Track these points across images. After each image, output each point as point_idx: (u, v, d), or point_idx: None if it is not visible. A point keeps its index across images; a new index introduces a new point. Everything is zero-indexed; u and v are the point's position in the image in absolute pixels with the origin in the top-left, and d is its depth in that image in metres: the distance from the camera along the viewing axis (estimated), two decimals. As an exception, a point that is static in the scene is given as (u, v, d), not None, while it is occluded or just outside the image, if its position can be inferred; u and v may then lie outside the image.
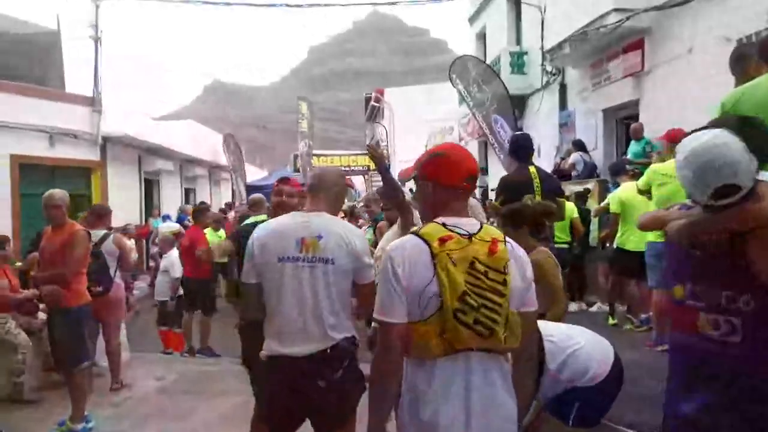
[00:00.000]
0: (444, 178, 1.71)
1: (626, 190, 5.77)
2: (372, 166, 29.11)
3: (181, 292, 7.25)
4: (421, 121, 29.31)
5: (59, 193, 4.01)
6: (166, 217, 11.67)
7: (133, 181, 13.08)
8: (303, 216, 2.37)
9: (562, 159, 10.70)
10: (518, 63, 12.99)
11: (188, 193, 17.33)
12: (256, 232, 2.36)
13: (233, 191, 21.59)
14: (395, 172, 28.86)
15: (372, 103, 38.32)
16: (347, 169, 29.32)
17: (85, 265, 4.12)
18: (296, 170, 27.29)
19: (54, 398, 4.63)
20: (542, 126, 12.23)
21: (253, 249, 2.30)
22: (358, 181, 34.61)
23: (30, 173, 9.97)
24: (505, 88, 11.79)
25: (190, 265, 6.86)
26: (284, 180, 3.48)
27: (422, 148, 24.79)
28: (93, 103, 11.18)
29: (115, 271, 5.05)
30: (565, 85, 11.17)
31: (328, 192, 2.45)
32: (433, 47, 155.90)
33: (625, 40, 8.75)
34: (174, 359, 6.36)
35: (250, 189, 19.32)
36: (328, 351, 2.21)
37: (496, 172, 15.85)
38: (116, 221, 11.96)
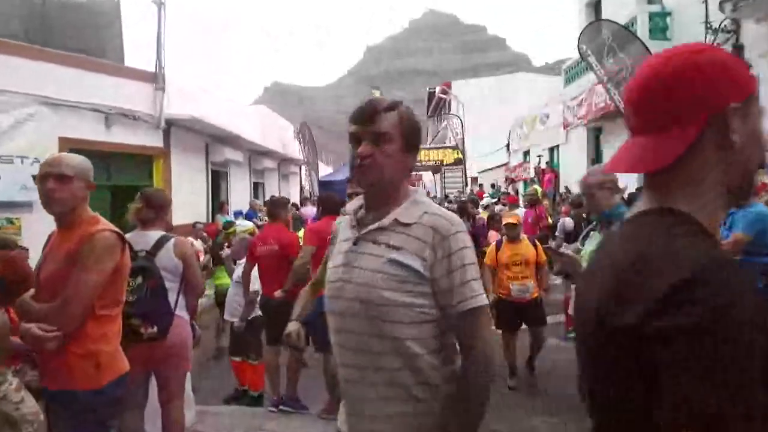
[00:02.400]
0: None
1: None
2: (445, 161, 27.06)
3: (258, 312, 5.38)
4: (496, 112, 27.22)
5: (69, 159, 2.05)
6: (237, 214, 9.92)
7: (200, 172, 11.48)
8: None
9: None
10: (660, 26, 10.46)
11: (257, 188, 15.71)
12: None
13: (302, 186, 20.00)
14: (469, 165, 26.85)
15: (438, 95, 36.55)
16: (418, 164, 27.34)
17: (114, 299, 2.14)
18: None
19: None
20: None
21: None
22: (426, 178, 32.58)
23: (82, 160, 8.41)
24: (649, 52, 9.36)
25: (270, 279, 4.90)
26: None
27: (503, 139, 22.50)
28: (155, 79, 9.57)
29: (177, 298, 3.12)
30: (741, 47, 8.59)
31: None
32: (492, 44, 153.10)
33: None
34: (257, 420, 4.40)
35: (321, 185, 17.58)
36: None
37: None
38: (180, 218, 10.45)
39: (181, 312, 3.15)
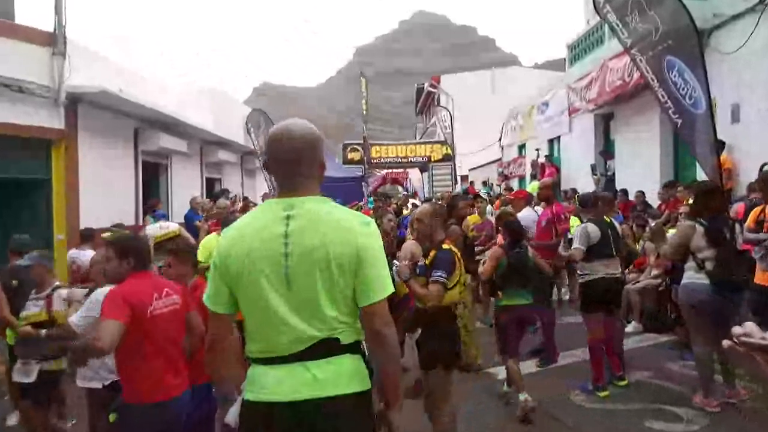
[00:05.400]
0: None
1: None
2: (433, 157, 25.12)
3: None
4: (487, 108, 25.43)
5: None
6: (159, 216, 7.78)
7: (125, 164, 9.32)
8: None
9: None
10: (693, -19, 8.46)
11: (211, 184, 13.48)
12: None
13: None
14: (458, 162, 24.97)
15: (427, 89, 34.87)
16: (405, 160, 25.38)
17: None
18: (346, 162, 23.69)
19: None
20: (745, 68, 7.72)
21: None
22: (414, 177, 30.71)
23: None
24: (687, 11, 7.36)
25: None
26: None
27: (496, 136, 20.62)
28: (54, 41, 7.44)
29: None
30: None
31: None
32: (482, 45, 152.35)
33: None
34: None
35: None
36: None
37: (632, 152, 11.25)
38: (92, 221, 8.18)
39: None
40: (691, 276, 4.06)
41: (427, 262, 3.37)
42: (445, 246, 3.38)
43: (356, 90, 23.15)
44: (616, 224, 5.02)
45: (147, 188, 9.97)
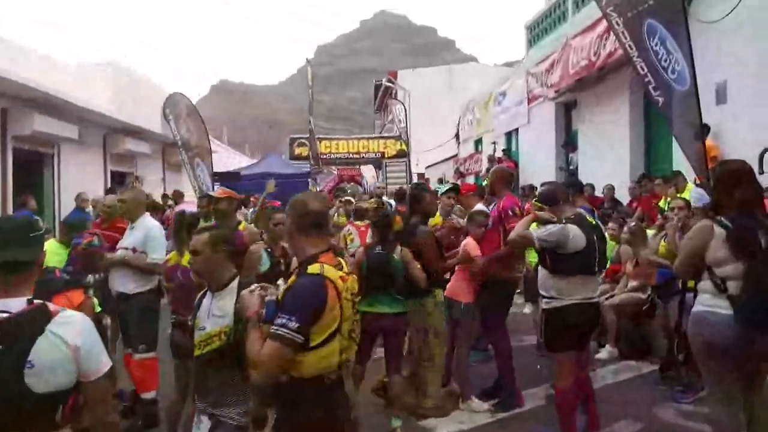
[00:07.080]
0: None
1: None
2: (387, 153, 23.83)
3: None
4: (445, 105, 24.43)
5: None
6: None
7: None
8: None
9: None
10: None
11: (121, 178, 11.61)
12: None
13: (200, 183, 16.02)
14: (415, 160, 23.85)
15: (385, 84, 33.74)
16: (357, 156, 23.99)
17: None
18: (293, 157, 22.23)
19: None
20: (731, 41, 6.61)
21: None
22: (368, 174, 29.41)
23: None
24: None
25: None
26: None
27: (452, 128, 19.44)
28: None
29: None
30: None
31: None
32: (441, 46, 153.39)
33: None
34: None
35: (224, 178, 13.69)
36: None
37: (597, 143, 10.05)
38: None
39: None
40: (707, 301, 2.71)
41: (279, 295, 1.90)
42: (312, 269, 1.90)
43: (317, 89, 21.74)
44: (602, 228, 3.67)
45: (24, 182, 8.16)
